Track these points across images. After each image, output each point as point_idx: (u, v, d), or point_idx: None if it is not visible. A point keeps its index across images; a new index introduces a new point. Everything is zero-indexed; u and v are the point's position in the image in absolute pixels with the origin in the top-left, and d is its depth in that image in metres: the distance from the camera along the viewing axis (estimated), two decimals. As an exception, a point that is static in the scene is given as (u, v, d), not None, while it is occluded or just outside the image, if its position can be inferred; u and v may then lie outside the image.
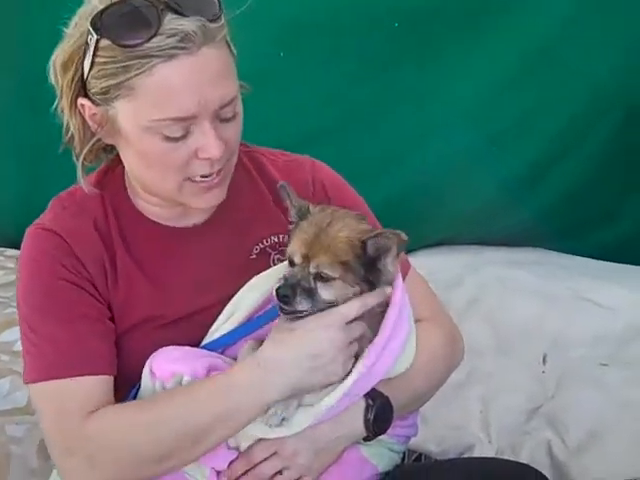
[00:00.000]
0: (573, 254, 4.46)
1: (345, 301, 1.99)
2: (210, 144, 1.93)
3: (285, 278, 1.98)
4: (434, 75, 3.92)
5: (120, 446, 1.92)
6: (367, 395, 2.08)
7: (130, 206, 2.20)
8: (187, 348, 2.09)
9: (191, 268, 2.19)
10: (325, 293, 1.99)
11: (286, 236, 2.24)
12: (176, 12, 1.83)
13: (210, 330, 2.14)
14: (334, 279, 1.99)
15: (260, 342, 2.09)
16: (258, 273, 2.17)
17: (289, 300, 1.94)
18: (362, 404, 2.08)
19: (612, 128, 4.08)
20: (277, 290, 1.94)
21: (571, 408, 3.40)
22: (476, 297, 4.02)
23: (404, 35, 3.74)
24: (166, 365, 2.02)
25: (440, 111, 4.00)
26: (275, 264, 2.25)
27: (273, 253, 2.29)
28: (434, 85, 3.95)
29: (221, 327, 2.16)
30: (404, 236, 1.98)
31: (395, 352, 2.11)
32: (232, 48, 2.00)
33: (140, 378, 2.04)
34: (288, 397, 1.95)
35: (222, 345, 2.15)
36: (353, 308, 1.99)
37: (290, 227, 2.12)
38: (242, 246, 2.26)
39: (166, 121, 1.89)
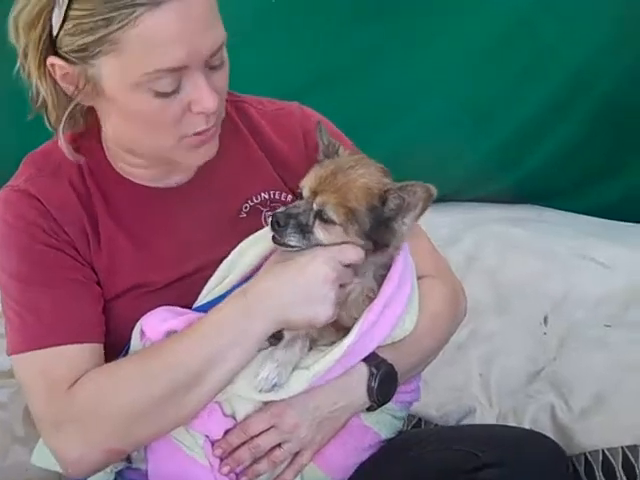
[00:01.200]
0: (572, 212, 4.36)
1: None
2: (204, 96, 1.83)
3: (287, 207, 1.91)
4: (432, 24, 3.87)
5: (110, 407, 1.82)
6: (369, 362, 2.02)
7: (109, 168, 2.09)
8: (180, 309, 2.01)
9: (178, 230, 2.11)
10: (320, 235, 1.88)
11: (277, 192, 2.22)
12: None
13: (201, 294, 2.06)
14: (334, 224, 1.87)
15: None
16: (250, 233, 2.09)
17: (281, 230, 1.88)
18: (364, 372, 2.00)
19: (607, 85, 4.03)
20: (273, 215, 1.87)
21: (574, 370, 3.30)
22: (475, 255, 3.91)
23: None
24: (159, 324, 1.94)
25: (439, 62, 3.92)
26: (267, 222, 2.14)
27: (264, 210, 2.19)
28: (433, 34, 3.89)
29: (213, 291, 2.06)
30: (433, 190, 1.84)
31: (397, 312, 2.02)
32: None
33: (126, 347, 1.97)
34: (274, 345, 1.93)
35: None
36: (351, 252, 1.91)
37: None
38: (230, 204, 2.18)
39: (158, 73, 1.75)
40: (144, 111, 1.82)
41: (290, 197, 2.21)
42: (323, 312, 1.87)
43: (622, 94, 4.01)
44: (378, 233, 1.91)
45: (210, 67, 1.84)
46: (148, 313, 1.96)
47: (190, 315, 1.96)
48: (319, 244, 1.90)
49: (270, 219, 1.87)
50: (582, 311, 3.61)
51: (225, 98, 1.99)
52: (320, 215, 1.86)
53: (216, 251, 2.05)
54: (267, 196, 2.20)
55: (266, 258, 2.07)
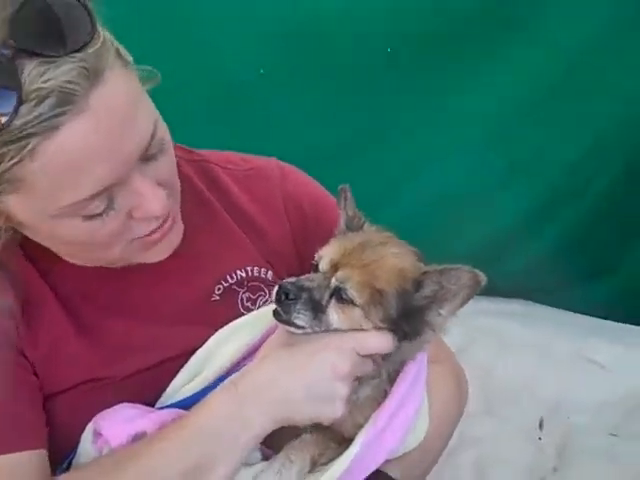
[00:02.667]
0: (564, 309, 4.11)
1: None
2: (146, 202, 1.52)
3: (298, 279, 1.56)
4: (429, 107, 3.62)
5: None
6: None
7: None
8: (144, 407, 1.68)
9: (138, 314, 1.77)
10: (334, 317, 1.53)
11: (256, 268, 1.88)
12: (35, 55, 1.31)
13: (166, 393, 1.73)
14: (354, 305, 1.52)
15: None
16: (224, 319, 1.76)
17: (289, 305, 1.52)
18: None
19: (607, 183, 3.87)
20: (280, 286, 1.53)
21: (581, 484, 2.93)
22: (464, 348, 3.57)
23: (398, 61, 3.46)
24: (122, 425, 1.58)
25: (433, 147, 3.70)
26: (244, 306, 1.85)
27: (241, 292, 1.86)
28: (427, 117, 3.63)
29: (182, 389, 1.70)
30: (482, 277, 1.47)
31: (410, 417, 1.67)
32: (125, 57, 1.49)
33: (74, 447, 1.62)
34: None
35: (186, 407, 1.66)
36: (375, 341, 1.56)
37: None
38: (201, 285, 1.83)
39: (77, 204, 1.44)
40: (75, 235, 1.52)
41: (271, 274, 1.89)
42: (331, 412, 1.54)
43: (618, 193, 3.85)
44: (406, 322, 1.55)
45: (147, 159, 1.52)
46: (103, 412, 1.62)
47: (161, 414, 1.63)
48: (330, 328, 1.54)
49: (276, 289, 1.53)
50: (582, 417, 3.28)
51: (176, 181, 1.68)
52: (338, 293, 1.53)
53: (185, 340, 1.72)
54: (244, 274, 1.86)
55: (250, 352, 1.72)
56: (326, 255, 1.58)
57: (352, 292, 1.51)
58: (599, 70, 3.49)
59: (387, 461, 1.66)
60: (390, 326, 1.54)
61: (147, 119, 1.49)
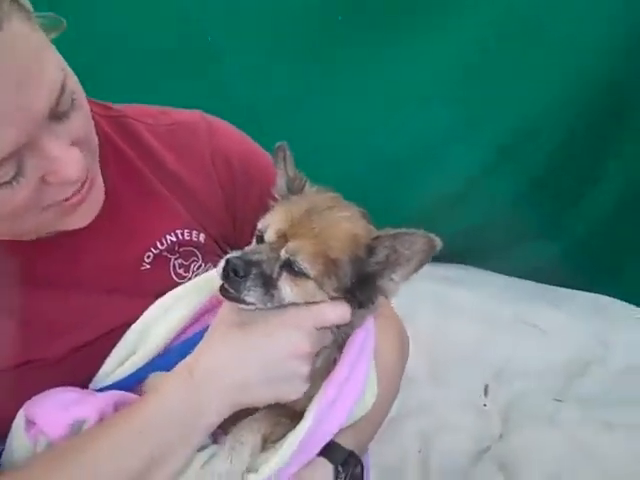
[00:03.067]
0: (503, 274, 4.07)
1: None
2: (61, 166, 1.35)
3: (244, 252, 1.42)
4: (377, 69, 3.50)
5: None
6: (332, 457, 1.56)
7: None
8: (80, 390, 1.53)
9: (67, 291, 1.59)
10: (287, 291, 1.41)
11: (187, 231, 1.74)
12: None
13: (101, 371, 1.57)
14: (307, 278, 1.40)
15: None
16: (157, 288, 1.62)
17: (239, 282, 1.39)
18: (329, 472, 1.55)
19: (546, 148, 3.81)
20: (227, 262, 1.39)
21: (524, 451, 2.89)
22: (406, 314, 3.47)
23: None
24: (58, 413, 1.43)
25: (369, 110, 3.57)
26: (177, 273, 1.69)
27: (173, 258, 1.70)
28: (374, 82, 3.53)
29: (122, 367, 1.56)
30: (438, 242, 1.38)
31: (359, 385, 1.57)
32: (24, 4, 1.30)
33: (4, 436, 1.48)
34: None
35: (126, 387, 1.54)
36: (333, 311, 1.45)
37: (272, 203, 1.53)
38: (129, 254, 1.66)
39: None
40: None
41: (203, 236, 1.75)
42: (293, 391, 1.45)
43: (556, 161, 3.80)
44: (359, 290, 1.45)
45: (59, 117, 1.35)
46: (35, 397, 1.47)
47: (101, 398, 1.49)
48: (283, 302, 1.42)
49: (222, 265, 1.39)
50: (525, 383, 3.25)
51: (93, 138, 1.50)
52: (289, 265, 1.41)
53: (118, 314, 1.58)
54: (174, 239, 1.70)
55: (191, 323, 1.59)
56: (272, 225, 1.44)
57: (304, 264, 1.39)
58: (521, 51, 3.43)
59: (339, 430, 1.56)
60: (344, 295, 1.44)
61: (54, 71, 1.31)
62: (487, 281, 3.84)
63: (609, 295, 3.85)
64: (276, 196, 1.56)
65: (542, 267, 3.98)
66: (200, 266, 1.73)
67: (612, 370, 3.28)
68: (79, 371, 1.55)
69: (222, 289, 1.41)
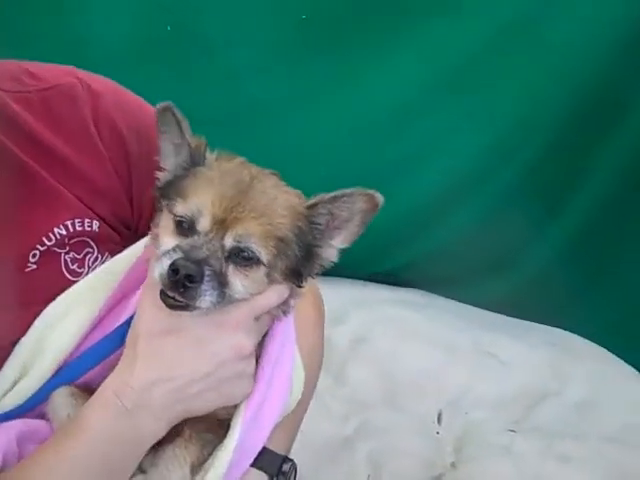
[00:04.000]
0: (461, 302, 4.00)
1: None
2: None
3: (182, 249, 1.25)
4: (343, 75, 3.42)
5: None
6: (267, 467, 1.46)
7: None
8: None
9: None
10: (239, 285, 1.29)
11: (78, 221, 1.51)
12: None
13: None
14: (257, 265, 1.29)
15: (83, 388, 1.35)
16: (46, 290, 1.44)
17: (192, 289, 1.22)
18: None
19: (509, 177, 3.76)
20: (174, 269, 1.21)
21: (480, 481, 2.82)
22: (364, 337, 3.42)
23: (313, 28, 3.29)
24: None
25: (334, 121, 3.50)
26: (70, 269, 1.50)
27: (63, 253, 1.50)
28: (336, 86, 3.46)
29: (18, 387, 1.39)
30: (379, 198, 1.31)
31: (286, 384, 1.48)
32: None
33: None
34: None
35: (27, 411, 1.37)
36: (270, 297, 1.36)
37: (160, 180, 1.38)
38: (9, 258, 1.45)
39: None
40: None
41: (97, 224, 1.55)
42: (240, 393, 1.36)
43: (517, 189, 3.73)
44: (302, 265, 1.36)
45: None
46: None
47: (4, 429, 1.32)
48: (235, 298, 1.30)
49: (167, 273, 1.22)
50: (481, 412, 3.19)
51: None
52: (236, 255, 1.28)
53: (3, 329, 1.40)
54: (63, 232, 1.49)
55: (92, 329, 1.43)
56: (204, 211, 1.28)
57: (257, 249, 1.28)
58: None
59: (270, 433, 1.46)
60: (290, 274, 1.35)
61: None
62: (446, 308, 3.78)
63: (567, 329, 3.81)
64: (165, 169, 1.40)
65: (501, 298, 3.91)
66: (97, 258, 1.55)
67: (568, 403, 3.24)
68: None
69: (167, 300, 1.25)
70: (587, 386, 3.32)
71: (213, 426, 1.38)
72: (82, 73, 1.59)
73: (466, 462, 2.94)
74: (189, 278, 1.21)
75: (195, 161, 1.36)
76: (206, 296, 1.24)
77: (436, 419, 3.19)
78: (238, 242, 1.27)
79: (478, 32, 3.34)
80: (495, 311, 3.95)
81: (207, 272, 1.23)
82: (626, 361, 3.60)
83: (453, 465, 2.96)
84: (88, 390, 1.36)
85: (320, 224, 1.35)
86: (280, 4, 3.26)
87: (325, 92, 3.42)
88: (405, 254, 3.87)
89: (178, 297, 1.23)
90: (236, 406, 1.37)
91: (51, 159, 1.49)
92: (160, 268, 1.23)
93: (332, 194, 1.33)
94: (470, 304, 3.95)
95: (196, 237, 1.27)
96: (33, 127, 1.48)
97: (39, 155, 1.47)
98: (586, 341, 3.71)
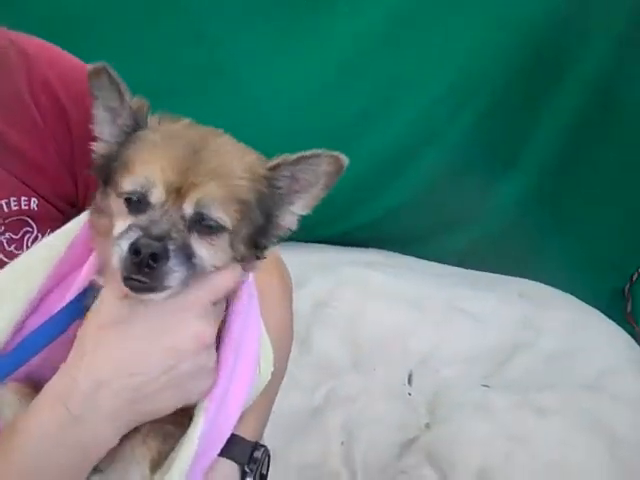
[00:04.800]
0: (422, 258, 3.90)
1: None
2: None
3: (139, 227, 1.14)
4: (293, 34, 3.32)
5: None
6: (236, 455, 1.36)
7: None
8: None
9: None
10: (205, 255, 1.18)
11: (14, 199, 1.43)
12: None
13: None
14: (221, 231, 1.18)
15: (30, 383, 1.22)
16: None
17: (158, 269, 1.11)
18: (235, 475, 1.35)
19: (462, 131, 3.67)
20: (136, 249, 1.10)
21: (453, 441, 2.73)
22: (326, 301, 3.29)
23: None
24: None
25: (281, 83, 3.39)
26: (7, 251, 1.42)
27: None
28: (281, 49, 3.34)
29: None
30: (344, 160, 1.23)
31: (252, 366, 1.36)
32: None
33: None
34: None
35: None
36: (227, 279, 1.25)
37: (96, 152, 1.25)
38: None
39: None
40: None
41: (36, 201, 1.46)
42: (201, 388, 1.23)
43: (474, 141, 3.64)
44: (262, 233, 1.25)
45: None
46: None
47: None
48: (203, 270, 1.18)
49: (129, 253, 1.11)
50: (452, 369, 3.10)
51: None
52: (200, 222, 1.17)
53: None
54: None
55: (28, 312, 1.28)
56: (155, 180, 1.16)
57: (219, 214, 1.16)
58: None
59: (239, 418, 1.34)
60: (251, 244, 1.24)
61: None
62: (409, 266, 3.67)
63: (535, 279, 3.75)
64: (101, 138, 1.27)
65: (463, 254, 3.84)
66: (37, 237, 1.45)
67: (542, 354, 3.17)
68: None
69: (133, 283, 1.13)
70: (559, 336, 3.25)
71: (175, 417, 1.25)
72: (15, 34, 1.44)
73: (440, 422, 2.86)
74: (153, 257, 1.10)
75: (137, 126, 1.24)
76: (175, 273, 1.13)
77: (407, 380, 3.10)
78: (199, 209, 1.16)
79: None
80: (460, 266, 3.87)
81: (171, 247, 1.13)
82: (593, 306, 3.57)
83: (427, 426, 2.88)
84: (35, 387, 1.22)
85: (281, 188, 1.24)
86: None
87: (277, 52, 3.29)
88: (361, 215, 3.76)
89: (144, 279, 1.11)
90: None
91: None
92: (119, 251, 1.12)
93: (296, 155, 1.23)
94: (434, 261, 3.85)
95: (151, 211, 1.16)
96: None
97: None
98: (553, 289, 3.64)
